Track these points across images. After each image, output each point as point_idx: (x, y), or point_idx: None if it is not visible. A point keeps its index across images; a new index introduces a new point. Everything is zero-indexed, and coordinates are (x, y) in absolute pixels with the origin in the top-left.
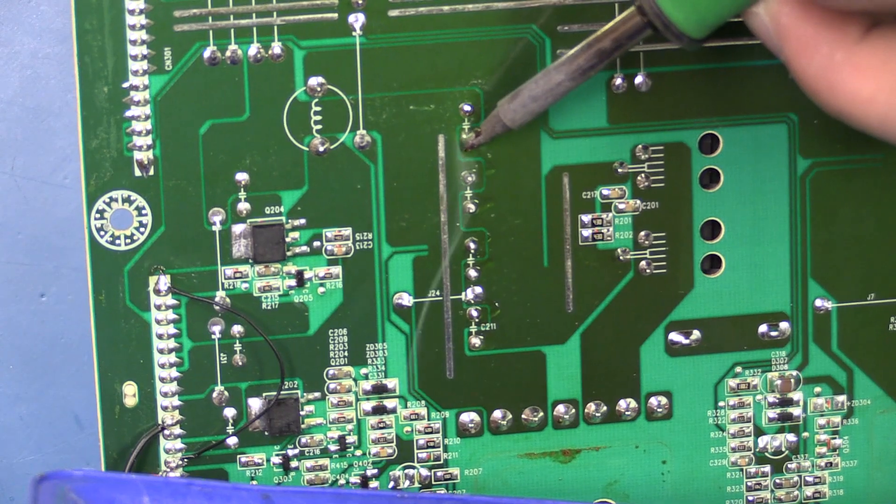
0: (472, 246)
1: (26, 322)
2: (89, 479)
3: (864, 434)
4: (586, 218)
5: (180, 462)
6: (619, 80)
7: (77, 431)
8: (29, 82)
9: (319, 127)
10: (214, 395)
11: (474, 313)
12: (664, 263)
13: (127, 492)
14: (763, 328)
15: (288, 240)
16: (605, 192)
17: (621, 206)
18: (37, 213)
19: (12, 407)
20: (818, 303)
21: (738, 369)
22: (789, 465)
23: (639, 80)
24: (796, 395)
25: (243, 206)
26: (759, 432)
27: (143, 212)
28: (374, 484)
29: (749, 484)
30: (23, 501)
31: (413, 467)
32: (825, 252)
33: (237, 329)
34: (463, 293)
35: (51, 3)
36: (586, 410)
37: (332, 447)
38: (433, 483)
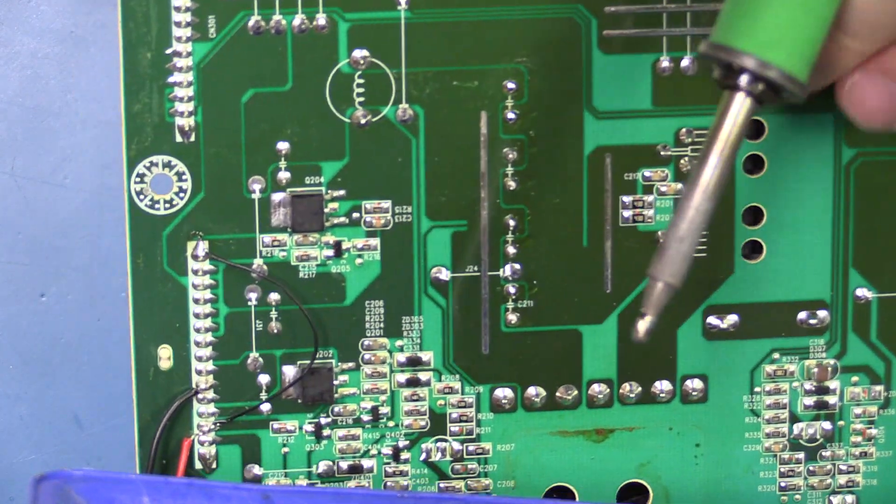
0: (512, 223)
1: (26, 322)
2: (89, 479)
3: None
4: (627, 199)
5: (213, 426)
6: (665, 63)
7: (77, 431)
8: (29, 82)
9: (362, 99)
10: (249, 361)
11: (512, 290)
12: (704, 247)
13: (127, 492)
14: (802, 315)
15: (327, 210)
16: (647, 174)
17: (663, 189)
18: (37, 213)
19: (12, 407)
20: (859, 292)
21: (776, 356)
22: (823, 453)
23: (685, 63)
24: (833, 384)
25: (283, 175)
26: (794, 419)
27: (184, 177)
28: (405, 455)
29: (782, 470)
30: (23, 501)
31: (445, 440)
32: (867, 242)
33: (274, 297)
34: (501, 269)
35: (51, 3)
36: (621, 391)
37: (365, 417)
38: (465, 457)
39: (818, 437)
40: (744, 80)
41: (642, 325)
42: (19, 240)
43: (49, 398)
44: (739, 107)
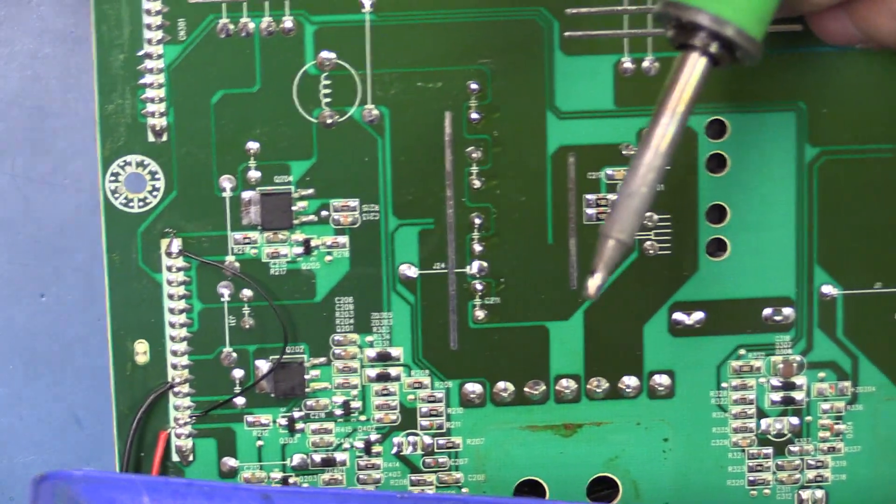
0: (478, 221)
1: (26, 322)
2: (89, 479)
3: (869, 421)
4: (591, 197)
5: (189, 419)
6: (627, 64)
7: (77, 431)
8: (29, 82)
9: (328, 100)
10: (223, 355)
11: (479, 286)
12: (669, 245)
13: (127, 492)
14: (767, 312)
15: (296, 208)
16: (609, 172)
17: None
18: (37, 213)
19: (12, 407)
20: (824, 289)
21: (742, 352)
22: (791, 448)
23: (646, 63)
24: (799, 380)
25: (253, 174)
26: (761, 414)
27: (157, 176)
28: (377, 448)
29: (751, 465)
30: (23, 501)
31: (416, 434)
32: (832, 239)
33: (246, 293)
34: (468, 266)
35: (51, 3)
36: (588, 386)
37: (337, 411)
38: (436, 451)
39: (786, 432)
40: (698, 38)
41: (593, 283)
42: (19, 240)
43: (49, 398)
44: (693, 66)
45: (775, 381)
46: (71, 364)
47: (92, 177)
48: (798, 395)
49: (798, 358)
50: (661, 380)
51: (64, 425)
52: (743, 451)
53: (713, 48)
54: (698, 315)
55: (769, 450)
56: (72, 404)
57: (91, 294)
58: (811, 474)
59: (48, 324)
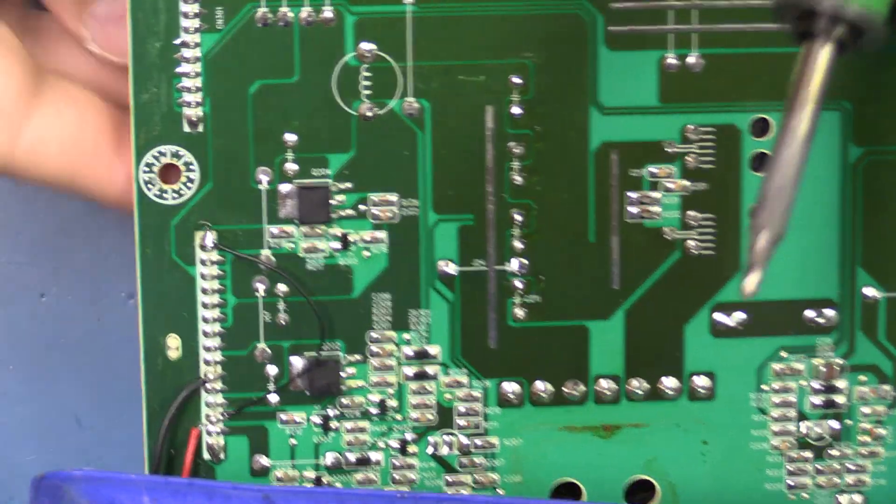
0: (519, 217)
1: (26, 322)
2: (89, 479)
3: None
4: (634, 195)
5: (221, 417)
6: (671, 60)
7: (77, 431)
8: None
9: (368, 92)
10: (257, 352)
11: (519, 284)
12: (712, 244)
13: (127, 492)
14: (809, 314)
15: (333, 202)
16: (653, 170)
17: (669, 186)
18: (37, 213)
19: (12, 407)
20: (867, 291)
21: (784, 354)
22: (831, 452)
23: (691, 59)
24: (841, 383)
25: (290, 167)
26: (801, 417)
27: (191, 167)
28: (412, 448)
29: (789, 468)
30: (23, 501)
31: (452, 434)
32: (876, 241)
33: (281, 288)
34: (508, 263)
35: None
36: (628, 387)
37: (373, 410)
38: (472, 451)
39: (826, 435)
40: (821, 23)
41: (752, 280)
42: (19, 240)
43: (49, 398)
44: (819, 55)
45: (816, 384)
46: (71, 364)
47: None
48: (839, 399)
49: (840, 361)
50: (702, 381)
51: (64, 425)
52: (782, 454)
53: (837, 32)
54: (740, 316)
55: (808, 453)
56: (72, 404)
57: (91, 294)
58: (850, 479)
59: (48, 324)
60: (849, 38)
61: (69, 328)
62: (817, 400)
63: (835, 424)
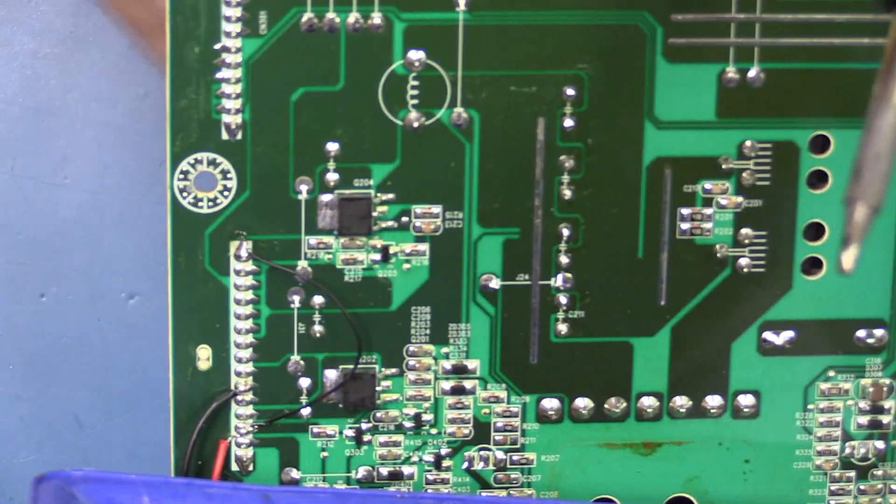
0: (566, 232)
1: (26, 322)
2: (89, 479)
3: None
4: (686, 211)
5: (251, 428)
6: (731, 74)
7: (77, 431)
8: (29, 82)
9: (416, 102)
10: (290, 364)
11: (563, 300)
12: (763, 262)
13: (127, 492)
14: (860, 334)
15: (375, 214)
16: (707, 186)
17: (723, 202)
18: (37, 213)
19: (12, 407)
20: None
21: (831, 373)
22: (875, 473)
23: (752, 74)
24: (888, 404)
25: (332, 177)
26: (846, 438)
27: (228, 175)
28: (447, 463)
29: (832, 488)
30: (23, 501)
31: (488, 449)
32: None
33: (317, 300)
34: (553, 279)
35: (51, 3)
36: (671, 405)
37: (407, 424)
38: (508, 467)
39: (870, 455)
40: None
41: (849, 256)
42: (19, 240)
43: (49, 398)
44: None
45: (863, 405)
46: (71, 364)
47: (92, 176)
48: (885, 419)
49: (888, 381)
50: (747, 400)
51: (64, 425)
52: (825, 474)
53: None
54: (788, 335)
55: (852, 473)
56: (72, 404)
57: (91, 294)
58: (893, 499)
59: (48, 324)
60: None
61: (69, 328)
62: (863, 420)
63: (880, 444)
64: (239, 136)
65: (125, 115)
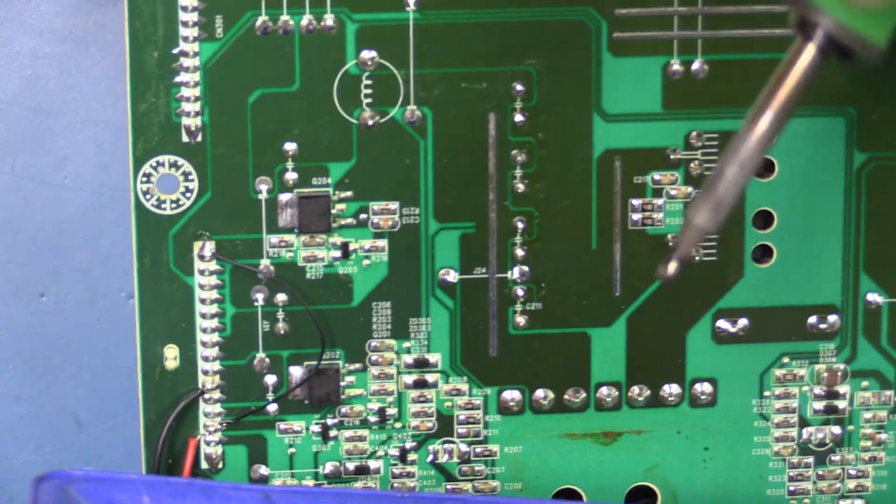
0: (520, 225)
1: (26, 322)
2: (89, 479)
3: None
4: (637, 202)
5: (219, 426)
6: (676, 66)
7: (77, 431)
8: (29, 82)
9: (369, 100)
10: (255, 361)
11: (520, 292)
12: (714, 251)
13: (127, 492)
14: (812, 320)
15: (334, 211)
16: (656, 177)
17: (673, 192)
18: (37, 213)
19: (12, 407)
20: (870, 297)
21: (786, 360)
22: (833, 458)
23: (696, 66)
24: (843, 389)
25: (290, 176)
26: (803, 423)
27: (190, 177)
28: (412, 456)
29: (791, 474)
30: (23, 501)
31: (452, 442)
32: (879, 247)
33: (280, 297)
34: (509, 272)
35: (51, 3)
36: (629, 394)
37: (372, 419)
38: (472, 459)
39: (827, 441)
40: (818, 36)
41: (671, 268)
42: (19, 240)
43: (49, 398)
44: (808, 59)
45: (818, 390)
46: (71, 364)
47: (91, 176)
48: (841, 404)
49: (842, 366)
50: (704, 388)
51: (64, 425)
52: (784, 460)
53: (831, 48)
54: (742, 322)
55: (810, 459)
56: (72, 404)
57: (91, 294)
58: (852, 484)
59: (48, 324)
60: (841, 54)
61: (69, 328)
62: (819, 405)
63: (836, 430)
64: (199, 139)
65: (125, 115)
